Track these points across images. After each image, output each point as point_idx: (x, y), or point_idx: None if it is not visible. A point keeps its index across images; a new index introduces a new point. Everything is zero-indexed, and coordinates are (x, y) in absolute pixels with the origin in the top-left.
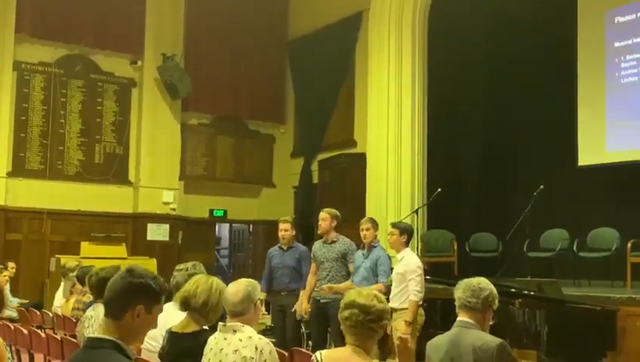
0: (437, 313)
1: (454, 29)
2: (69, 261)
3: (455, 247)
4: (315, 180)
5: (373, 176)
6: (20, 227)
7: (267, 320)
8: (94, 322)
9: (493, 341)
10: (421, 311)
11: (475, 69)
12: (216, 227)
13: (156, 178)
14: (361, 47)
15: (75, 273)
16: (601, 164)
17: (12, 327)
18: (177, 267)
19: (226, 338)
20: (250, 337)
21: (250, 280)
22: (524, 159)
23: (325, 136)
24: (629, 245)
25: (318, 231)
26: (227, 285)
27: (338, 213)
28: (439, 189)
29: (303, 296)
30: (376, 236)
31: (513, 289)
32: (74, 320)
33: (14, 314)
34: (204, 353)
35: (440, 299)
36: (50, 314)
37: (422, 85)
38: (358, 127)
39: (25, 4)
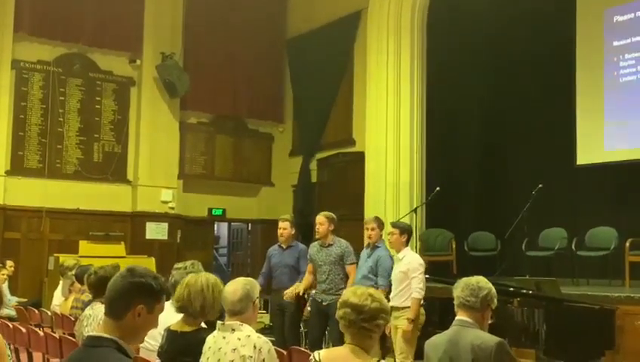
0: (435, 312)
1: (453, 28)
2: (67, 260)
3: (454, 246)
4: (314, 179)
5: (371, 175)
6: (18, 226)
7: (265, 318)
8: (93, 321)
9: (492, 340)
10: (422, 310)
11: (474, 68)
12: (215, 226)
13: (155, 177)
14: (359, 46)
15: (73, 272)
16: (600, 163)
17: (10, 326)
18: (176, 266)
19: (224, 337)
20: (249, 336)
21: (248, 278)
22: (522, 158)
23: (324, 135)
24: (628, 244)
25: (316, 236)
26: (225, 284)
27: (334, 216)
28: (438, 188)
29: (297, 285)
30: (381, 236)
31: (512, 288)
32: (72, 319)
33: (13, 313)
34: (203, 351)
35: (439, 297)
36: (49, 313)
37: (420, 84)
38: (356, 125)
39: (23, 3)
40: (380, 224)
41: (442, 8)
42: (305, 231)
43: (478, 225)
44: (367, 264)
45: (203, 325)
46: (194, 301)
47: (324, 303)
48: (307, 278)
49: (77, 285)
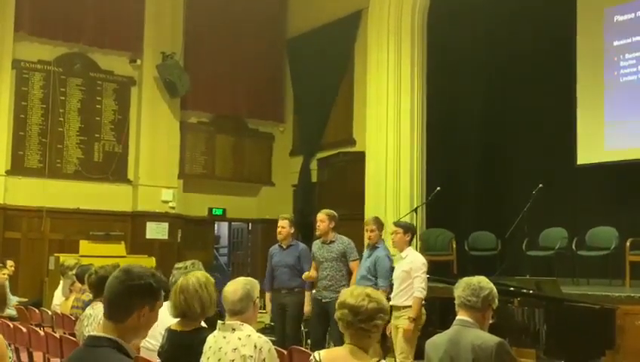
0: (436, 311)
1: (453, 27)
2: (68, 259)
3: (454, 246)
4: (314, 179)
5: (372, 175)
6: (19, 225)
7: (265, 318)
8: (93, 320)
9: (493, 340)
10: (423, 309)
11: (474, 68)
12: (216, 225)
13: (155, 176)
14: (360, 45)
15: (74, 271)
16: (600, 162)
17: (11, 326)
18: (176, 265)
19: (225, 337)
20: (250, 336)
21: (248, 278)
22: (523, 158)
23: (324, 134)
24: (628, 244)
25: (317, 233)
26: (226, 284)
27: (335, 213)
28: (438, 188)
29: (308, 297)
30: (380, 236)
31: (512, 288)
32: (73, 319)
33: (13, 313)
34: (204, 351)
35: (439, 297)
36: (50, 313)
37: (421, 84)
38: (357, 125)
39: (24, 3)
40: (380, 225)
41: (442, 8)
42: (305, 231)
43: (479, 225)
44: (366, 264)
45: (203, 324)
46: (192, 305)
47: (323, 300)
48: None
49: (77, 285)
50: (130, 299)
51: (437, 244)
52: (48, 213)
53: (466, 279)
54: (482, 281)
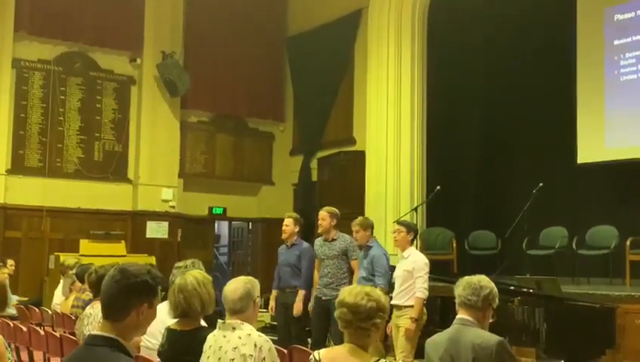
0: (436, 310)
1: (453, 26)
2: (68, 258)
3: (454, 245)
4: (315, 178)
5: (372, 174)
6: (19, 224)
7: (266, 317)
8: (93, 320)
9: (493, 338)
10: (424, 309)
11: (475, 67)
12: (216, 225)
13: (155, 175)
14: (360, 44)
15: (74, 271)
16: (601, 161)
17: (11, 325)
18: (176, 264)
19: (225, 336)
20: (250, 334)
21: (249, 277)
22: (523, 156)
23: (324, 133)
24: (628, 243)
25: (319, 231)
26: (226, 283)
27: (337, 211)
28: (438, 187)
29: (300, 296)
30: (368, 236)
31: (512, 287)
32: (73, 318)
33: (14, 312)
34: (204, 350)
35: (439, 296)
36: (50, 312)
37: (421, 83)
38: (357, 124)
39: (24, 2)
40: (365, 225)
41: (442, 7)
42: (305, 230)
43: (479, 224)
44: (364, 264)
45: (203, 323)
46: (192, 303)
47: (324, 298)
48: (315, 279)
49: (78, 284)
50: (127, 298)
51: (437, 243)
52: (48, 212)
53: (466, 278)
54: (483, 280)
